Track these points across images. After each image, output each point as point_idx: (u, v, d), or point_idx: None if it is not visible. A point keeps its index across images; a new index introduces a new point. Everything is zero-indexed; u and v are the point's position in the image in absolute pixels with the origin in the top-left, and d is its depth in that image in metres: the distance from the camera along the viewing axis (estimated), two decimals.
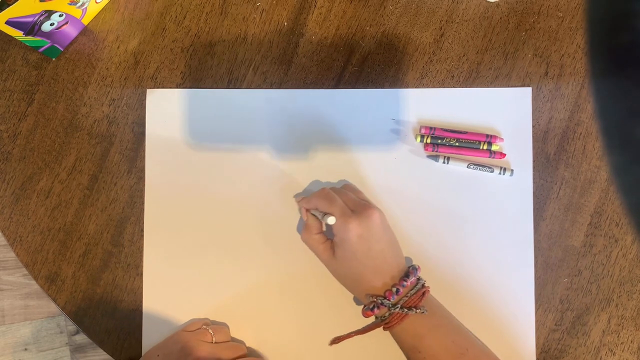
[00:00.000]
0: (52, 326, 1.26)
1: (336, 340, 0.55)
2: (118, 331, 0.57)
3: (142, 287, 0.57)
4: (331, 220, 0.50)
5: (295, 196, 0.57)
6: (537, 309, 0.56)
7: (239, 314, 0.56)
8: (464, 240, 0.56)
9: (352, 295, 0.56)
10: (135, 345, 0.57)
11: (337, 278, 0.54)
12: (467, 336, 0.51)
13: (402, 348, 0.52)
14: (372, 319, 0.54)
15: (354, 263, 0.50)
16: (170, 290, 0.56)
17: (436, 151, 0.57)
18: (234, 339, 0.56)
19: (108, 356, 0.57)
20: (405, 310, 0.49)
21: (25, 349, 1.24)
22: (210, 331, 0.53)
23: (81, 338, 1.26)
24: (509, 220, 0.57)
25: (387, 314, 0.50)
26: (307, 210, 0.54)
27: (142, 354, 0.56)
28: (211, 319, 0.56)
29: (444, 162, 0.57)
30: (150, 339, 0.56)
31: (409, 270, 0.51)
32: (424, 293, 0.50)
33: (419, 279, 0.51)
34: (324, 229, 0.53)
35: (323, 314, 0.56)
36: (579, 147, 0.57)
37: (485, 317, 0.56)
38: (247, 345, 0.56)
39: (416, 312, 0.49)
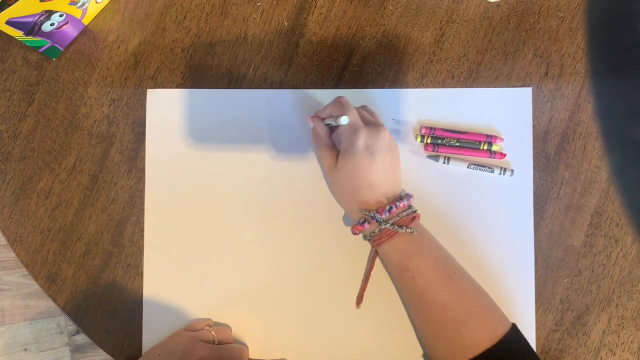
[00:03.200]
0: (52, 326, 1.26)
1: (359, 300, 0.56)
2: (118, 331, 0.57)
3: (142, 287, 0.57)
4: (344, 119, 0.50)
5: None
6: (537, 309, 0.56)
7: (240, 314, 0.56)
8: (464, 240, 0.56)
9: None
10: (135, 345, 0.57)
11: (334, 190, 0.55)
12: (453, 261, 0.53)
13: (389, 269, 0.54)
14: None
15: (354, 174, 0.51)
16: (171, 290, 0.56)
17: (436, 151, 0.57)
18: (236, 341, 0.56)
19: (108, 356, 0.57)
20: (396, 227, 0.50)
21: (25, 349, 1.24)
22: (213, 332, 0.53)
23: (81, 338, 1.26)
24: (509, 220, 0.57)
25: (376, 230, 0.51)
26: (318, 118, 0.54)
27: (142, 353, 0.56)
28: (212, 319, 0.56)
29: (444, 162, 0.57)
30: (150, 339, 0.56)
31: (403, 195, 0.52)
32: (414, 217, 0.51)
33: (410, 205, 0.52)
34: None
35: (325, 314, 0.56)
36: (579, 147, 0.57)
37: None
38: (250, 346, 0.56)
39: (406, 231, 0.51)
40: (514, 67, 0.58)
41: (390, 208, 0.51)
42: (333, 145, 0.54)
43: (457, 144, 0.56)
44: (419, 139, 0.57)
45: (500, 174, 0.56)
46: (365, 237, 0.53)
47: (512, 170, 0.56)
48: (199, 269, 0.56)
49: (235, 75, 0.58)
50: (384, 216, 0.51)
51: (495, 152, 0.56)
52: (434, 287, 0.50)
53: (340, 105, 0.52)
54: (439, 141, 0.56)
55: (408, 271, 0.51)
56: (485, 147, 0.56)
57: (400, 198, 0.52)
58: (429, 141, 0.56)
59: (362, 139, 0.50)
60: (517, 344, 0.49)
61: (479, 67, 0.58)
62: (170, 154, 0.57)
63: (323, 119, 0.54)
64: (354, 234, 0.53)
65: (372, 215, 0.51)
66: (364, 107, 0.55)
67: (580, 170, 0.57)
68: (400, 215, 0.51)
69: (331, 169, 0.53)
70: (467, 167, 0.57)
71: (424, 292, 0.50)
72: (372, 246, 0.53)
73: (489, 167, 0.56)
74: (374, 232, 0.51)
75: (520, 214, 0.57)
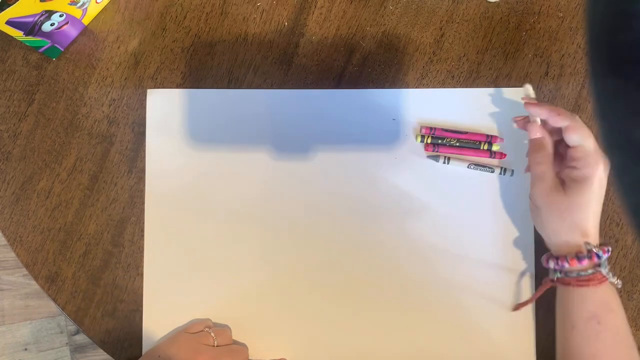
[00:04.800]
0: (52, 326, 1.26)
1: (519, 306, 0.54)
2: (118, 331, 0.57)
3: (142, 287, 0.57)
4: (534, 133, 0.47)
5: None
6: (537, 309, 0.56)
7: (239, 315, 0.56)
8: (464, 240, 0.56)
9: (355, 295, 0.56)
10: (135, 345, 0.56)
11: (546, 211, 0.48)
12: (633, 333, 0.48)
13: (572, 314, 0.48)
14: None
15: (586, 205, 0.46)
16: (171, 290, 0.56)
17: (436, 151, 0.57)
18: (236, 342, 0.56)
19: (108, 356, 0.57)
20: (611, 274, 0.46)
21: (25, 349, 1.24)
22: (212, 334, 0.53)
23: (81, 338, 1.26)
24: (509, 220, 0.57)
25: (589, 271, 0.46)
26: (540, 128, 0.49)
27: (142, 354, 0.56)
28: (212, 319, 0.56)
29: (444, 163, 0.57)
30: (150, 339, 0.56)
31: (602, 242, 0.48)
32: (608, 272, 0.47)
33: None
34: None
35: (325, 314, 0.56)
36: None
37: (485, 317, 0.56)
38: (250, 347, 0.56)
39: (616, 281, 0.46)
40: (514, 67, 0.58)
41: (609, 250, 0.47)
42: (552, 162, 0.49)
43: (457, 144, 0.56)
44: (419, 139, 0.57)
45: (500, 174, 0.56)
46: (558, 272, 0.48)
47: (512, 170, 0.56)
48: (199, 269, 0.56)
49: (235, 75, 0.58)
50: (606, 255, 0.46)
51: (495, 152, 0.56)
52: (617, 352, 0.46)
53: (582, 127, 0.47)
54: (439, 141, 0.56)
55: (599, 324, 0.46)
56: (485, 147, 0.56)
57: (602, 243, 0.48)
58: (429, 141, 0.56)
59: (599, 173, 0.46)
60: None
61: (479, 67, 0.58)
62: (170, 154, 0.57)
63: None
64: (548, 266, 0.48)
65: (597, 252, 0.46)
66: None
67: None
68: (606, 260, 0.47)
69: (552, 193, 0.48)
70: (467, 167, 0.57)
71: (605, 354, 0.46)
72: (563, 283, 0.47)
73: (489, 167, 0.56)
74: (583, 272, 0.46)
75: (520, 214, 0.57)
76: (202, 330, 0.53)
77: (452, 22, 0.58)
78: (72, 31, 0.57)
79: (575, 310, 0.48)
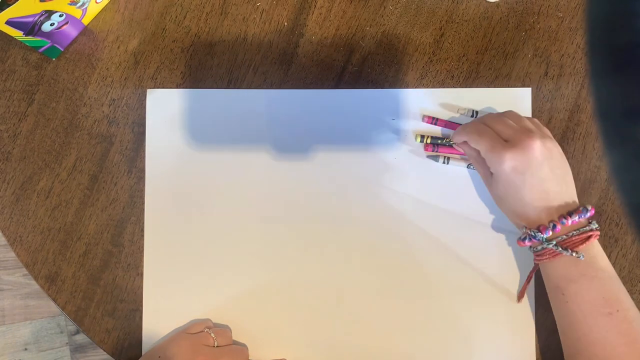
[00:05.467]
0: (52, 326, 1.26)
1: (521, 295, 0.55)
2: (118, 331, 0.57)
3: (142, 287, 0.57)
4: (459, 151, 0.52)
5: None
6: (537, 309, 0.56)
7: (239, 315, 0.56)
8: (463, 240, 0.56)
9: (355, 295, 0.56)
10: (135, 345, 0.57)
11: (497, 204, 0.52)
12: (622, 298, 0.47)
13: (546, 285, 0.51)
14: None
15: (509, 196, 0.48)
16: (171, 290, 0.56)
17: (436, 151, 0.57)
18: (235, 342, 0.56)
19: (108, 356, 0.57)
20: (560, 248, 0.47)
21: (25, 349, 1.24)
22: (212, 335, 0.53)
23: (81, 338, 1.26)
24: (509, 221, 0.57)
25: (539, 247, 0.48)
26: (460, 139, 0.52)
27: (142, 354, 0.56)
28: (212, 319, 0.56)
29: (444, 162, 0.57)
30: (150, 339, 0.56)
31: (578, 210, 0.48)
32: (588, 237, 0.47)
33: (590, 222, 0.48)
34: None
35: (325, 315, 0.56)
36: (579, 147, 0.57)
37: (485, 316, 0.56)
38: (250, 347, 0.56)
39: (570, 254, 0.46)
40: (514, 67, 0.58)
41: (555, 226, 0.47)
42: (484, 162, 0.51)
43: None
44: (418, 139, 0.57)
45: None
46: (530, 249, 0.51)
47: None
48: (199, 269, 0.56)
49: (235, 75, 0.58)
50: (545, 235, 0.47)
51: None
52: (587, 320, 0.47)
53: (473, 132, 0.50)
54: (439, 141, 0.56)
55: (563, 295, 0.48)
56: None
57: (570, 213, 0.47)
58: (428, 141, 0.56)
59: (507, 162, 0.47)
60: None
61: (479, 67, 0.58)
62: (170, 154, 0.57)
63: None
64: (519, 246, 0.51)
65: (533, 233, 0.48)
66: (507, 114, 0.51)
67: (580, 170, 0.57)
68: (570, 234, 0.47)
69: (490, 188, 0.52)
70: (467, 167, 0.57)
71: (575, 322, 0.48)
72: (534, 261, 0.50)
73: None
74: (536, 248, 0.49)
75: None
76: (202, 331, 0.53)
77: (452, 22, 0.58)
78: (72, 31, 0.57)
79: (545, 282, 0.51)
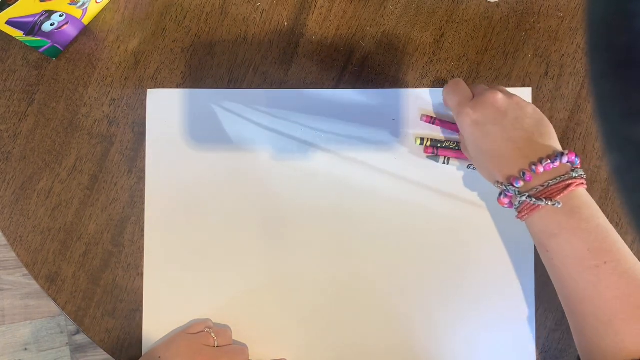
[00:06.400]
0: (52, 326, 1.26)
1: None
2: (118, 331, 0.57)
3: (142, 287, 0.57)
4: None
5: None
6: (537, 309, 0.56)
7: (240, 315, 0.56)
8: (463, 240, 0.56)
9: (355, 295, 0.56)
10: (135, 345, 0.57)
11: (474, 164, 0.51)
12: (609, 248, 0.43)
13: (535, 244, 0.48)
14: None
15: (478, 152, 0.47)
16: (171, 290, 0.56)
17: (436, 154, 0.56)
18: (236, 342, 0.56)
19: (108, 356, 0.57)
20: (534, 200, 0.43)
21: (25, 349, 1.24)
22: (213, 335, 0.53)
23: (81, 338, 1.26)
24: (509, 220, 0.57)
25: (516, 204, 0.45)
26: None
27: (142, 354, 0.56)
28: (212, 319, 0.56)
29: (444, 163, 0.57)
30: (150, 339, 0.56)
31: (553, 155, 0.44)
32: (568, 185, 0.43)
33: (574, 169, 0.44)
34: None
35: (325, 316, 0.56)
36: (579, 147, 0.57)
37: (485, 316, 0.56)
38: (250, 347, 0.56)
39: (546, 204, 0.43)
40: (514, 67, 0.58)
41: (524, 174, 0.43)
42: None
43: (457, 147, 0.56)
44: (418, 141, 0.57)
45: None
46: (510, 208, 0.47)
47: None
48: (199, 269, 0.56)
49: (235, 75, 0.58)
50: (517, 185, 0.44)
51: None
52: (573, 276, 0.43)
53: (450, 88, 0.50)
54: (439, 144, 0.56)
55: (547, 252, 0.44)
56: None
57: (541, 160, 0.44)
58: (428, 144, 0.56)
59: (467, 117, 0.47)
60: None
61: (479, 67, 0.58)
62: (170, 154, 0.57)
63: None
64: (500, 205, 0.47)
65: (505, 187, 0.45)
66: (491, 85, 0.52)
67: None
68: (547, 183, 0.43)
69: (465, 153, 0.52)
70: (467, 168, 0.57)
71: (562, 280, 0.45)
72: (517, 218, 0.46)
73: None
74: (515, 204, 0.45)
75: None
76: (202, 331, 0.53)
77: (452, 22, 0.58)
78: (72, 31, 0.57)
79: (533, 241, 0.48)
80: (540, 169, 0.44)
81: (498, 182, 0.46)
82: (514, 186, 0.44)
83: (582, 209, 0.44)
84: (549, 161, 0.44)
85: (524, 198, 0.44)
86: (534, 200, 0.43)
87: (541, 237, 0.45)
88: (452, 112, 0.50)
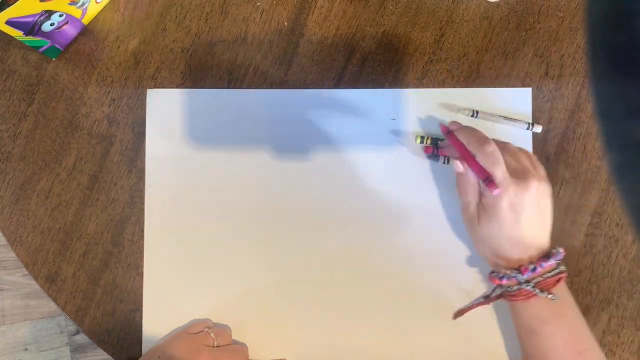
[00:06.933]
0: (52, 326, 1.26)
1: (459, 313, 0.55)
2: (118, 331, 0.57)
3: (142, 287, 0.57)
4: (458, 167, 0.49)
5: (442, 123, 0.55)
6: None
7: (239, 315, 0.56)
8: (463, 240, 0.56)
9: (355, 295, 0.56)
10: (135, 345, 0.57)
11: (473, 239, 0.52)
12: (588, 336, 0.49)
13: (517, 325, 0.51)
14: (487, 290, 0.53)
15: (497, 232, 0.48)
16: (171, 290, 0.56)
17: (436, 153, 0.56)
18: (235, 342, 0.56)
19: (108, 356, 0.57)
20: (537, 290, 0.47)
21: (25, 349, 1.24)
22: (212, 334, 0.53)
23: (81, 338, 1.26)
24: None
25: (514, 287, 0.49)
26: (470, 159, 0.50)
27: (142, 354, 0.56)
28: (212, 319, 0.56)
29: (444, 163, 0.57)
30: (150, 339, 0.56)
31: (551, 253, 0.49)
32: (559, 279, 0.48)
33: (559, 264, 0.49)
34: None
35: (325, 314, 0.56)
36: (579, 147, 0.57)
37: (485, 316, 0.56)
38: (250, 346, 0.56)
39: (546, 297, 0.47)
40: (514, 67, 0.58)
41: (535, 268, 0.48)
42: (478, 193, 0.50)
43: None
44: (418, 140, 0.57)
45: None
46: (501, 287, 0.51)
47: None
48: (199, 269, 0.56)
49: (235, 75, 0.58)
50: (526, 276, 0.48)
51: None
52: (559, 359, 0.48)
53: (489, 157, 0.47)
54: (439, 143, 0.56)
55: (536, 336, 0.48)
56: None
57: (547, 256, 0.48)
58: (428, 143, 0.56)
59: (507, 199, 0.47)
60: None
61: (479, 67, 0.58)
62: (170, 154, 0.57)
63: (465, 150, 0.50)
64: (491, 283, 0.51)
65: (514, 275, 0.48)
66: (506, 147, 0.50)
67: (580, 170, 0.57)
68: (544, 276, 0.48)
69: (472, 220, 0.50)
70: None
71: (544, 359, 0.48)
72: (506, 300, 0.50)
73: None
74: (510, 288, 0.49)
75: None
76: (202, 331, 0.53)
77: (452, 22, 0.58)
78: (72, 31, 0.57)
79: (516, 321, 0.51)
80: (547, 264, 0.48)
81: (506, 267, 0.49)
82: (523, 275, 0.48)
83: (566, 298, 0.49)
84: (554, 260, 0.48)
85: (529, 287, 0.48)
86: (537, 291, 0.47)
87: (532, 322, 0.48)
88: (497, 179, 0.47)
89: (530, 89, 0.58)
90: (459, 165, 0.50)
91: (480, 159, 0.48)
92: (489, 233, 0.49)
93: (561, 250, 0.49)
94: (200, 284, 0.56)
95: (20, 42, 0.56)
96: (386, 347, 0.56)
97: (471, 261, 0.56)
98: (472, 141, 0.50)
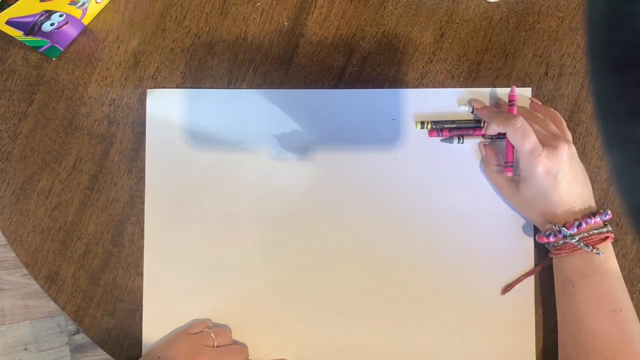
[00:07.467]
0: (52, 326, 1.26)
1: (508, 288, 0.56)
2: (118, 331, 0.57)
3: (142, 287, 0.57)
4: (492, 129, 0.52)
5: (470, 101, 0.57)
6: (537, 309, 0.56)
7: (239, 315, 0.56)
8: (464, 240, 0.56)
9: (355, 295, 0.56)
10: (135, 345, 0.57)
11: (518, 208, 0.55)
12: (625, 299, 0.50)
13: (556, 280, 0.53)
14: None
15: (539, 198, 0.51)
16: (171, 290, 0.56)
17: (441, 135, 0.57)
18: (235, 342, 0.56)
19: (108, 356, 0.57)
20: (582, 244, 0.49)
21: (25, 349, 1.24)
22: (212, 335, 0.53)
23: (81, 338, 1.26)
24: (510, 221, 0.57)
25: (560, 242, 0.51)
26: (484, 144, 0.56)
27: (142, 354, 0.56)
28: (212, 319, 0.56)
29: (459, 143, 0.56)
30: (150, 339, 0.56)
31: (597, 212, 0.51)
32: (605, 238, 0.50)
33: (606, 224, 0.51)
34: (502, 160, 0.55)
35: (325, 315, 0.56)
36: (579, 147, 0.57)
37: (485, 317, 0.56)
38: (250, 347, 0.56)
39: (590, 250, 0.49)
40: (514, 67, 0.58)
41: (580, 224, 0.50)
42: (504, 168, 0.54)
43: (455, 126, 0.56)
44: (419, 125, 0.57)
45: None
46: (547, 244, 0.53)
47: None
48: (199, 269, 0.56)
49: (235, 75, 0.58)
50: (571, 231, 0.50)
51: None
52: (592, 314, 0.49)
53: (518, 132, 0.50)
54: (445, 126, 0.56)
55: (573, 287, 0.50)
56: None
57: (593, 214, 0.51)
58: (429, 127, 0.57)
59: (542, 165, 0.50)
60: None
61: (479, 67, 0.58)
62: (170, 154, 0.57)
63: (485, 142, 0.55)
64: (540, 241, 0.53)
65: (559, 229, 0.50)
66: (531, 115, 0.54)
67: None
68: (591, 232, 0.50)
69: (512, 195, 0.54)
70: (484, 137, 0.57)
71: (580, 315, 0.50)
72: (551, 254, 0.53)
73: (504, 135, 0.56)
74: (557, 243, 0.51)
75: (520, 214, 0.57)
76: (202, 331, 0.53)
77: (452, 22, 0.58)
78: (72, 31, 0.57)
79: (557, 275, 0.53)
80: (592, 222, 0.50)
81: (552, 223, 0.51)
82: (568, 230, 0.50)
83: (610, 259, 0.51)
84: (599, 218, 0.51)
85: (574, 241, 0.50)
86: (582, 245, 0.50)
87: (572, 274, 0.51)
88: (524, 153, 0.51)
89: (530, 89, 0.58)
90: (481, 147, 0.56)
91: (510, 134, 0.51)
92: (532, 198, 0.52)
93: (609, 212, 0.51)
94: (200, 284, 0.56)
95: (20, 42, 0.56)
96: (386, 347, 0.56)
97: (472, 261, 0.56)
98: (502, 120, 0.52)
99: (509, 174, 0.53)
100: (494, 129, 0.53)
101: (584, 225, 0.50)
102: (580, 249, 0.50)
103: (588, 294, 0.50)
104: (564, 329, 0.52)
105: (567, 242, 0.50)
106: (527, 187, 0.52)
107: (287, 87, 0.58)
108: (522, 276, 0.56)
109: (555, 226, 0.51)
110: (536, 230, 0.56)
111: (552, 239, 0.51)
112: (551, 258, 0.54)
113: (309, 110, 0.58)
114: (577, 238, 0.50)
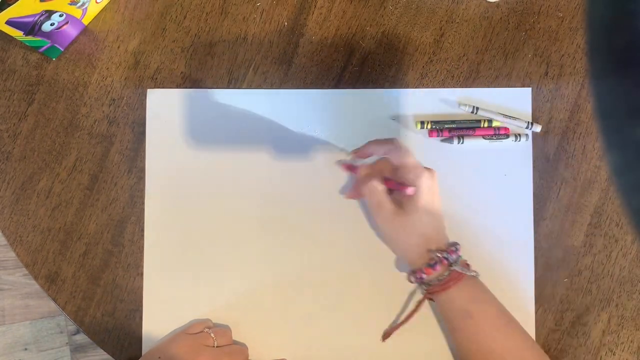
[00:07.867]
0: (52, 326, 1.26)
1: (387, 335, 0.55)
2: (118, 331, 0.57)
3: (142, 287, 0.57)
4: (410, 190, 0.50)
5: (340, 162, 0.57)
6: (537, 309, 0.56)
7: (239, 315, 0.56)
8: (464, 240, 0.56)
9: (356, 295, 0.56)
10: (135, 345, 0.57)
11: (395, 238, 0.52)
12: (506, 309, 0.51)
13: (449, 315, 0.51)
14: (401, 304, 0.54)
15: (423, 217, 0.50)
16: (171, 290, 0.56)
17: (441, 135, 0.57)
18: (235, 342, 0.56)
19: (108, 356, 0.57)
20: (464, 269, 0.49)
21: (25, 349, 1.24)
22: (212, 335, 0.53)
23: (81, 338, 1.26)
24: (509, 220, 0.57)
25: (445, 274, 0.49)
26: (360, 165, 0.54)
27: (142, 354, 0.56)
28: (212, 319, 0.56)
29: (459, 143, 0.56)
30: (150, 339, 0.56)
31: (455, 244, 0.51)
32: (467, 265, 0.51)
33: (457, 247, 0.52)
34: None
35: (325, 315, 0.56)
36: (579, 147, 0.57)
37: None
38: (250, 347, 0.56)
39: (471, 274, 0.50)
40: (514, 67, 0.58)
41: (457, 248, 0.50)
42: (388, 192, 0.52)
43: (455, 126, 0.57)
44: (419, 125, 0.57)
45: (516, 140, 0.57)
46: (423, 285, 0.51)
47: (527, 135, 0.57)
48: (199, 269, 0.56)
49: (235, 75, 0.58)
50: (454, 256, 0.50)
51: (499, 128, 0.57)
52: (496, 334, 0.49)
53: (398, 150, 0.51)
54: (445, 126, 0.57)
55: (472, 318, 0.49)
56: (486, 125, 0.57)
57: (452, 244, 0.51)
58: (429, 127, 0.57)
59: (427, 181, 0.50)
60: None
61: (479, 67, 0.58)
62: (170, 154, 0.57)
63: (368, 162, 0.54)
64: (412, 281, 0.52)
65: (445, 256, 0.49)
66: (383, 152, 0.53)
67: (580, 170, 0.57)
68: (459, 258, 0.51)
69: (394, 217, 0.50)
70: (484, 139, 0.57)
71: (483, 337, 0.49)
72: (430, 292, 0.51)
73: (504, 135, 0.57)
74: (441, 276, 0.50)
75: (520, 214, 0.57)
76: (202, 331, 0.53)
77: (452, 22, 0.58)
78: (72, 31, 0.57)
79: (447, 311, 0.51)
80: (459, 245, 0.51)
81: (437, 250, 0.50)
82: (452, 255, 0.49)
83: (479, 281, 0.51)
84: (458, 245, 0.51)
85: (457, 267, 0.49)
86: (465, 270, 0.49)
87: (467, 304, 0.50)
88: (406, 171, 0.50)
89: (530, 89, 0.58)
90: (359, 170, 0.54)
91: (394, 156, 0.51)
92: (419, 220, 0.50)
93: (458, 245, 0.52)
94: (200, 284, 0.56)
95: (20, 42, 0.56)
96: (386, 347, 0.56)
97: (471, 261, 0.56)
98: (377, 146, 0.53)
99: (409, 192, 0.50)
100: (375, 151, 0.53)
101: (459, 249, 0.50)
102: (464, 275, 0.49)
103: (485, 316, 0.50)
104: (471, 356, 0.50)
105: (452, 270, 0.49)
106: (412, 208, 0.49)
107: (287, 87, 0.58)
108: (399, 323, 0.54)
109: (440, 253, 0.49)
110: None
111: (438, 269, 0.49)
112: (428, 299, 0.53)
113: (309, 110, 0.58)
114: (459, 264, 0.50)
